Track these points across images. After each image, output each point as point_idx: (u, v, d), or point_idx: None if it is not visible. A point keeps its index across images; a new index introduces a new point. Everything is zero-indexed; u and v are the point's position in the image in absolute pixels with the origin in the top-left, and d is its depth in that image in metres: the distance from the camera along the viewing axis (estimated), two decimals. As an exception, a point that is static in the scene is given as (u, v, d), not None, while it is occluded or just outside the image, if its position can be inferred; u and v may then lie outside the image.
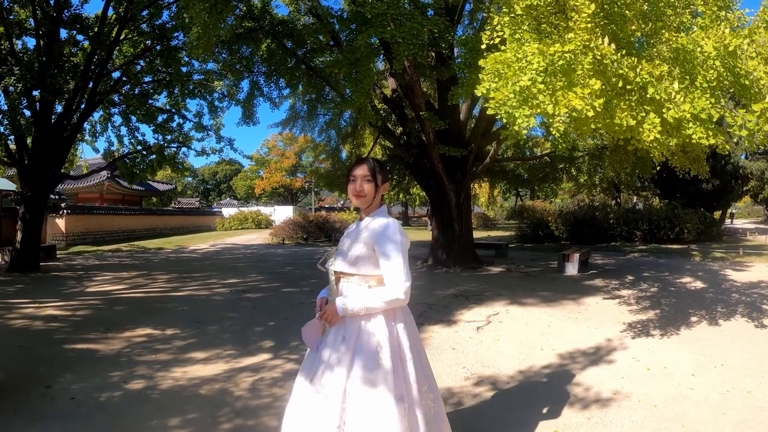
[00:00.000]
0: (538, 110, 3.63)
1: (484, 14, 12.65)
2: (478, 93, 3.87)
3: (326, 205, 73.63)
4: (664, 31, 5.13)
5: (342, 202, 67.33)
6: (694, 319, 7.39)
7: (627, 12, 5.09)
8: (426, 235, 26.18)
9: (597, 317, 7.57)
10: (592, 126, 3.76)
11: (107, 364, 5.53)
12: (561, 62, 3.56)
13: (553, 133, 3.91)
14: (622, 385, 4.72)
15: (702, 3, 5.82)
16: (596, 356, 5.66)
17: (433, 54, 11.94)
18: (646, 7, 5.50)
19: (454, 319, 7.42)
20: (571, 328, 6.95)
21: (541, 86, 3.56)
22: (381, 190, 2.76)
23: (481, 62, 3.90)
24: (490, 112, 3.99)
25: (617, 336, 6.47)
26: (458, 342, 6.27)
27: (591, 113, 3.52)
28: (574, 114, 3.57)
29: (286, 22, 13.03)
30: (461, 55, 8.54)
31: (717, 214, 27.54)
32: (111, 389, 4.78)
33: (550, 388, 4.74)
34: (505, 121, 3.93)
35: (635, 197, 36.01)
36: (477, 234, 23.69)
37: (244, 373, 5.18)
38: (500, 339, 6.39)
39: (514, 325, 7.08)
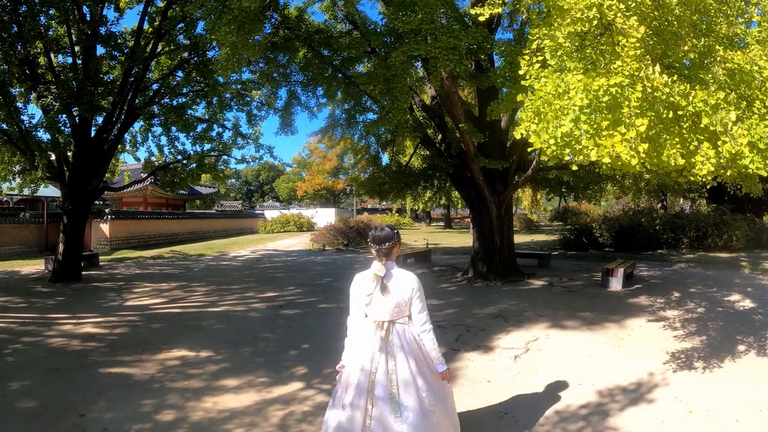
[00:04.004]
0: (581, 156, 3.36)
1: (523, 17, 12.32)
2: (517, 135, 3.63)
3: (368, 206, 73.76)
4: (718, 47, 4.79)
5: (384, 204, 67.27)
6: (741, 347, 6.96)
7: (679, 29, 4.78)
8: (467, 238, 25.80)
9: (640, 345, 7.17)
10: (638, 168, 3.47)
11: (140, 390, 5.53)
12: (606, 98, 3.29)
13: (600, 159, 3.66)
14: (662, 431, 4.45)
15: (756, 12, 5.47)
16: (637, 394, 5.34)
17: (472, 62, 11.63)
18: (696, 18, 5.17)
19: (491, 345, 7.16)
20: (612, 358, 6.61)
21: (585, 126, 3.29)
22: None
23: (519, 97, 3.66)
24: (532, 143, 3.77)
25: (660, 369, 6.11)
26: (494, 373, 6.03)
27: (635, 161, 3.24)
28: (618, 162, 3.30)
29: (322, 30, 12.90)
30: (500, 68, 8.22)
31: (767, 218, 26.34)
32: (142, 420, 4.76)
33: (586, 432, 4.49)
34: (548, 156, 3.72)
35: (681, 199, 34.96)
36: (519, 238, 23.25)
37: (275, 406, 5.09)
38: (538, 370, 6.12)
39: (553, 354, 6.78)
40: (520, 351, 6.89)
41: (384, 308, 3.56)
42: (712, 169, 3.72)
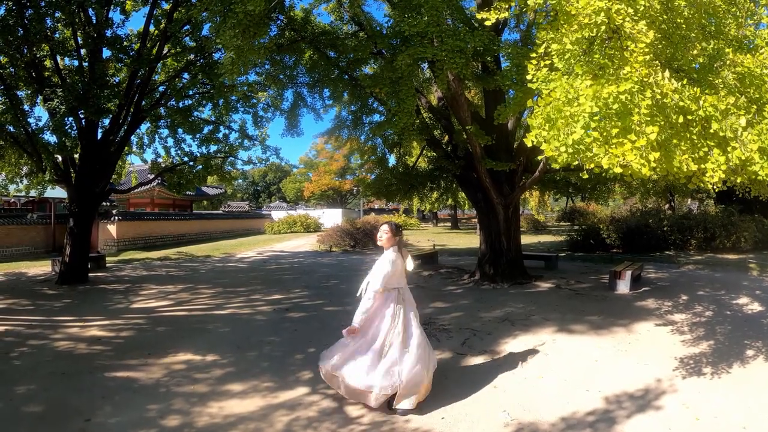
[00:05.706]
0: (591, 164, 3.32)
1: (530, 18, 12.27)
2: (528, 143, 3.59)
3: (375, 207, 73.69)
4: (727, 50, 4.73)
5: (390, 205, 67.17)
6: (749, 352, 6.88)
7: (688, 32, 4.72)
8: (474, 239, 25.70)
9: (647, 350, 7.11)
10: (648, 175, 3.42)
11: (146, 395, 5.53)
12: (616, 105, 3.24)
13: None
14: (669, 439, 4.40)
15: (765, 13, 5.40)
16: (644, 401, 5.29)
17: (479, 64, 11.57)
18: (705, 20, 5.11)
19: (497, 350, 7.11)
20: (619, 363, 6.56)
21: (595, 134, 3.25)
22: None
23: (529, 103, 3.61)
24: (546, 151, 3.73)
25: (668, 375, 6.05)
26: (500, 378, 5.99)
27: (646, 169, 3.20)
28: (627, 171, 3.26)
29: (328, 32, 12.85)
30: (506, 70, 8.17)
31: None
32: (147, 425, 4.77)
33: (593, 441, 4.44)
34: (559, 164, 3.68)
35: (689, 199, 34.77)
36: (526, 239, 23.14)
37: (280, 411, 5.08)
38: (544, 376, 6.07)
39: (560, 359, 6.72)
40: (526, 355, 6.84)
41: (402, 279, 5.29)
42: (723, 176, 3.67)
